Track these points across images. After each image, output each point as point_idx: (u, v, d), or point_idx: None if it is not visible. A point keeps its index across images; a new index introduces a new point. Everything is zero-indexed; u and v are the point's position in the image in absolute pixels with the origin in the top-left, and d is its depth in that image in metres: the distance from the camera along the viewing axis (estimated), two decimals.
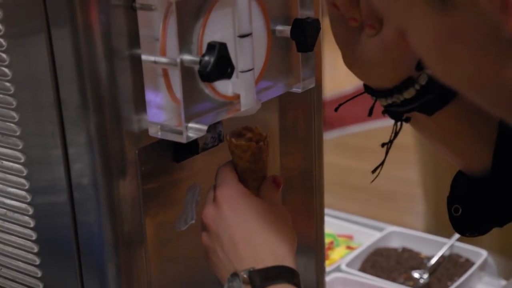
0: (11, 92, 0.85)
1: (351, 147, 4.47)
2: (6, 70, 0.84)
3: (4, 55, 0.84)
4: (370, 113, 0.90)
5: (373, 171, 0.97)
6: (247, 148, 0.91)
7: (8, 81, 0.84)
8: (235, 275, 0.85)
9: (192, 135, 0.83)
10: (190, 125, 0.82)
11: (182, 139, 0.82)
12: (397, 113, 0.87)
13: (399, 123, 0.89)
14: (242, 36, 0.84)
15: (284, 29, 0.92)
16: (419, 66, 0.83)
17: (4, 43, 0.83)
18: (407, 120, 0.88)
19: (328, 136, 4.61)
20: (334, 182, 3.92)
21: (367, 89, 0.87)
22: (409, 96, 0.83)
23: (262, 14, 0.90)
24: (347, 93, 5.43)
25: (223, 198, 0.90)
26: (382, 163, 0.97)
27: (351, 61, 0.85)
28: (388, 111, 0.87)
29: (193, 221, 0.98)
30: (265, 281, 0.84)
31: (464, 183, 0.93)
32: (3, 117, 0.87)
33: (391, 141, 0.93)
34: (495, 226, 0.94)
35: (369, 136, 4.60)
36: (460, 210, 0.93)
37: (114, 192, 0.84)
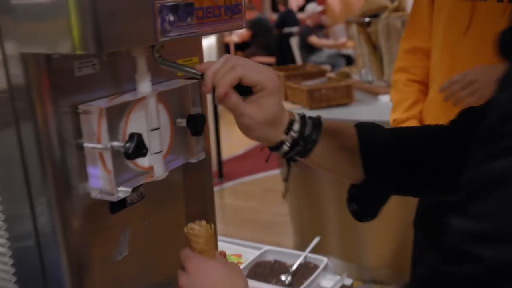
0: None
1: (242, 192, 4.43)
2: None
3: None
4: (267, 160, 0.91)
5: (283, 197, 0.95)
6: (201, 236, 0.87)
7: None
8: None
9: (121, 195, 0.81)
10: (119, 188, 0.81)
11: (114, 199, 0.81)
12: (286, 159, 0.87)
13: (290, 164, 0.89)
14: (153, 129, 0.83)
15: (182, 121, 0.91)
16: (288, 130, 0.83)
17: None
18: (295, 160, 0.87)
19: (226, 185, 4.55)
20: (230, 217, 3.90)
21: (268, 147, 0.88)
22: (285, 151, 0.84)
23: (166, 112, 0.89)
24: (239, 154, 5.46)
25: (191, 266, 0.85)
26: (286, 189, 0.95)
27: (248, 133, 0.84)
28: (282, 157, 0.87)
29: (126, 253, 0.94)
30: None
31: (354, 188, 0.92)
32: None
33: (287, 178, 0.93)
34: (379, 210, 0.93)
35: (254, 184, 4.60)
36: (355, 206, 0.92)
37: (68, 236, 0.80)
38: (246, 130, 0.82)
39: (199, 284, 0.83)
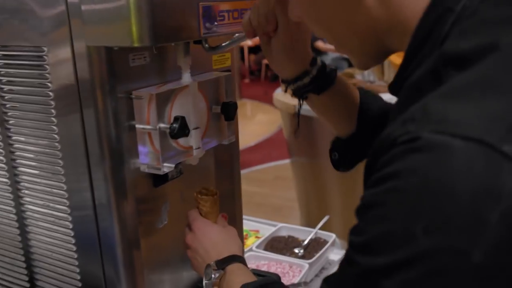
0: (59, 148, 0.84)
1: (255, 179, 4.44)
2: (56, 135, 0.84)
3: (55, 127, 0.84)
4: (285, 91, 0.89)
5: (295, 134, 0.96)
6: (207, 200, 0.93)
7: (57, 142, 0.84)
8: (208, 266, 0.86)
9: (166, 170, 0.84)
10: (164, 164, 0.84)
11: (160, 172, 0.84)
12: (300, 93, 0.86)
13: (301, 100, 0.89)
14: (195, 128, 0.86)
15: (217, 108, 0.95)
16: (312, 64, 0.84)
17: (55, 120, 0.83)
18: (306, 97, 0.87)
19: (240, 173, 4.60)
20: (244, 201, 3.92)
21: (283, 80, 0.87)
22: (307, 82, 0.84)
23: (204, 100, 0.92)
24: (251, 145, 5.44)
25: (196, 227, 0.91)
26: (297, 125, 0.94)
27: (271, 64, 0.84)
28: (295, 93, 0.87)
29: (166, 222, 0.98)
30: (224, 264, 0.85)
31: (338, 140, 0.93)
32: (52, 163, 0.86)
33: (299, 111, 0.92)
34: (356, 163, 0.94)
35: (265, 172, 4.61)
36: (337, 155, 0.93)
37: (120, 206, 0.83)
38: (285, 49, 0.81)
39: (202, 243, 0.90)
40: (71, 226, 0.88)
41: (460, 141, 0.42)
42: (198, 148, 0.89)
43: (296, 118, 0.94)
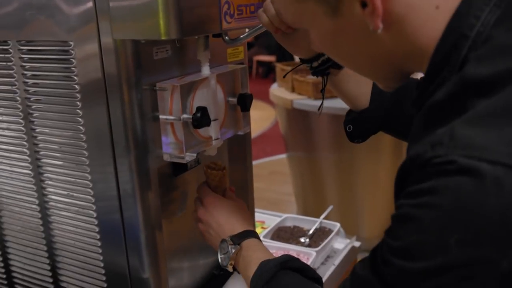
0: (84, 139, 0.86)
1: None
2: (81, 127, 0.85)
3: (80, 119, 0.85)
4: (310, 68, 0.90)
5: (318, 109, 0.98)
6: (217, 174, 0.95)
7: (82, 133, 0.86)
8: (223, 240, 0.88)
9: (188, 158, 0.86)
10: (187, 153, 0.86)
11: (183, 161, 0.86)
12: (323, 70, 0.89)
13: (325, 77, 0.92)
14: (214, 120, 0.88)
15: (234, 99, 0.97)
16: None
17: (80, 112, 0.84)
18: (328, 73, 0.90)
19: None
20: None
21: (303, 60, 0.89)
22: (327, 57, 0.87)
23: (222, 91, 0.94)
24: (256, 136, 5.46)
25: (208, 202, 0.93)
26: (321, 104, 0.97)
27: (293, 49, 0.87)
28: (315, 72, 0.90)
29: (184, 211, 1.00)
30: (240, 239, 0.87)
31: (352, 113, 0.96)
32: (77, 154, 0.88)
33: (323, 89, 0.94)
34: (369, 135, 0.97)
35: (261, 167, 4.57)
36: (352, 127, 0.96)
37: (145, 196, 0.85)
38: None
39: (215, 218, 0.92)
40: (95, 215, 0.90)
41: (487, 165, 0.46)
42: (217, 138, 0.91)
43: (322, 96, 0.97)
